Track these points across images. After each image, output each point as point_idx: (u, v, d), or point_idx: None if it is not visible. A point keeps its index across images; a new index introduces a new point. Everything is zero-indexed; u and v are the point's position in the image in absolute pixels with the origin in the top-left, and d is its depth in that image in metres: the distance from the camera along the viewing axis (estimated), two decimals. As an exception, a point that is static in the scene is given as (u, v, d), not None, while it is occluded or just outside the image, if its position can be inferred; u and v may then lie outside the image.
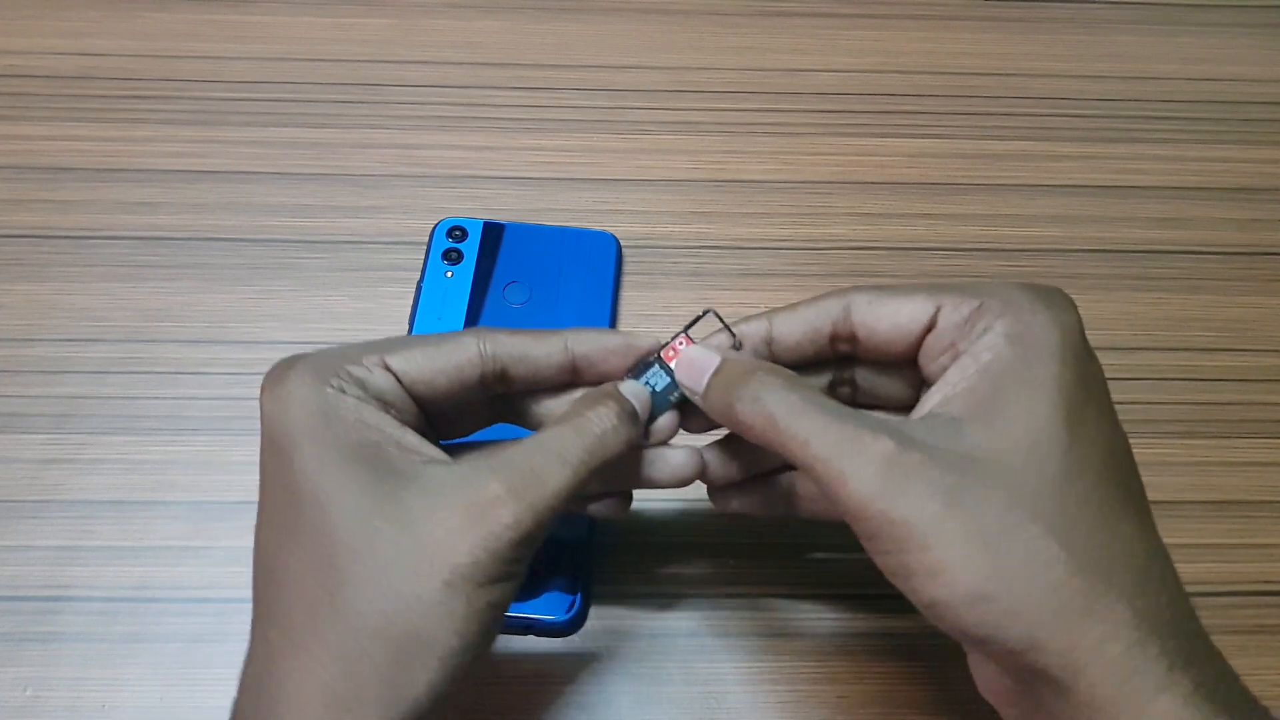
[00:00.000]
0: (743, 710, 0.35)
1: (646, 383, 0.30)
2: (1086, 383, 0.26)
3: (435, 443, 0.29)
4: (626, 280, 0.45)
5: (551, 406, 0.31)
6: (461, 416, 0.31)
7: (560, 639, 0.36)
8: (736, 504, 0.32)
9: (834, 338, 0.30)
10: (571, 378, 0.30)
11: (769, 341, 0.30)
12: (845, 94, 0.52)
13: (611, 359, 0.30)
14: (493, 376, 0.29)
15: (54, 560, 0.37)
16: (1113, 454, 0.26)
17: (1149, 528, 0.26)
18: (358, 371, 0.27)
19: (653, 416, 0.30)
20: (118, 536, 0.37)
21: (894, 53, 0.54)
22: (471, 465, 0.26)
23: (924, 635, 0.36)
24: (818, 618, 0.37)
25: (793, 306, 0.30)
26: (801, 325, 0.30)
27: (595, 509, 0.31)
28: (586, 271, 0.44)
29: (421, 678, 0.24)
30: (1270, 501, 0.40)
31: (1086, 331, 0.28)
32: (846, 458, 0.25)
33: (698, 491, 0.33)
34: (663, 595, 0.37)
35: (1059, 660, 0.24)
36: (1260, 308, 0.46)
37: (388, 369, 0.28)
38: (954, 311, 0.28)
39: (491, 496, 0.25)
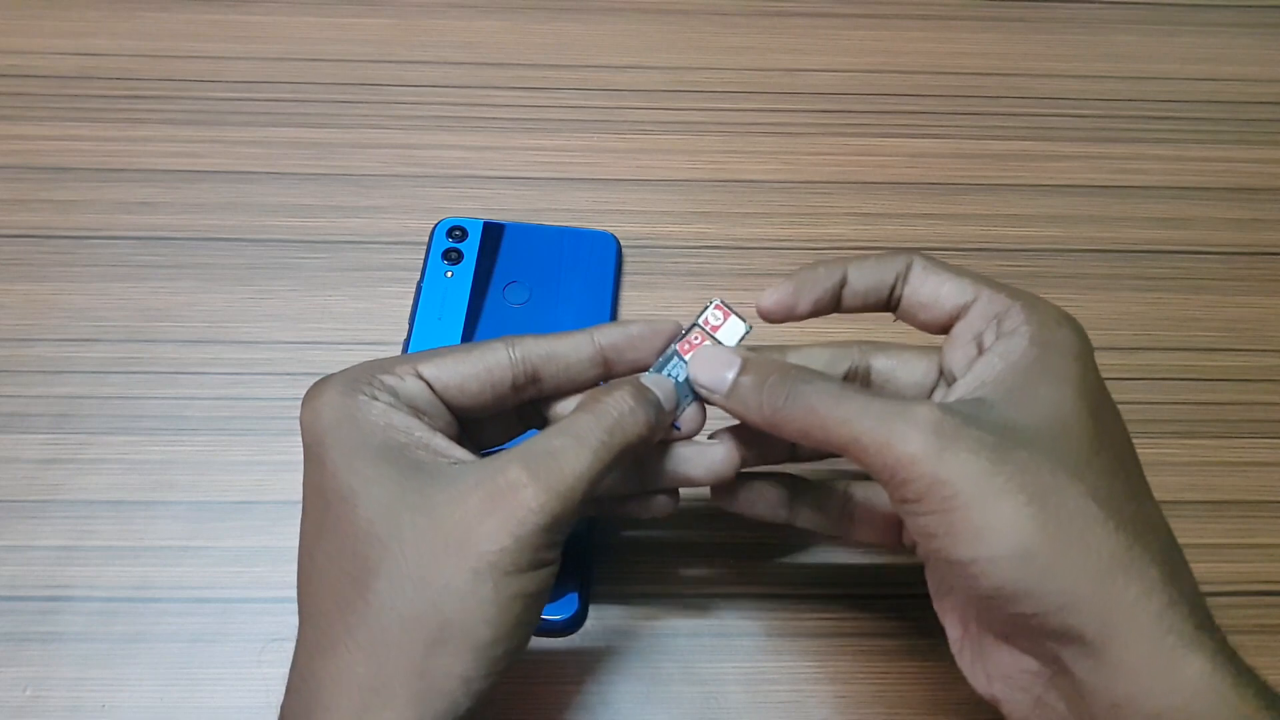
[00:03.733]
0: (743, 710, 0.35)
1: (669, 374, 0.31)
2: (1101, 388, 0.28)
3: (470, 449, 0.29)
4: (626, 280, 0.45)
5: (573, 406, 0.31)
6: (495, 424, 0.32)
7: (560, 639, 0.36)
8: (742, 500, 0.32)
9: (891, 293, 0.31)
10: (603, 371, 0.31)
11: (842, 285, 0.31)
12: (845, 94, 0.52)
13: (639, 345, 0.31)
14: (525, 379, 0.30)
15: (54, 560, 0.37)
16: (1127, 445, 0.28)
17: (1160, 510, 0.27)
18: (390, 380, 0.28)
19: (679, 408, 0.31)
20: (118, 536, 0.37)
21: (894, 53, 0.54)
22: (493, 457, 0.26)
23: (924, 635, 0.36)
24: (818, 618, 0.37)
25: (864, 258, 0.31)
26: (873, 276, 0.31)
27: (636, 508, 0.32)
28: (586, 271, 0.44)
29: (455, 669, 0.24)
30: (1270, 501, 0.40)
31: (1089, 331, 0.29)
32: (892, 424, 0.26)
33: (698, 491, 0.33)
34: (663, 595, 0.37)
35: (1094, 618, 0.24)
36: (1260, 308, 0.46)
37: (420, 377, 0.29)
38: (988, 305, 0.30)
39: (513, 482, 0.25)
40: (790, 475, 0.33)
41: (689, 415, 0.31)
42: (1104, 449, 0.27)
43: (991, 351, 0.29)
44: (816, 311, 0.31)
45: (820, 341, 0.33)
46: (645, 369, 0.31)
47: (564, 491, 0.26)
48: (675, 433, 0.31)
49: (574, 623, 0.36)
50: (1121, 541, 0.25)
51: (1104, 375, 0.29)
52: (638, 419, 0.28)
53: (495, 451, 0.31)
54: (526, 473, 0.25)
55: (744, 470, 0.32)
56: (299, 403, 0.28)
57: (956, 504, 0.25)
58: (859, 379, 0.32)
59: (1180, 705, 0.23)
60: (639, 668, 0.35)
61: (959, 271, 0.31)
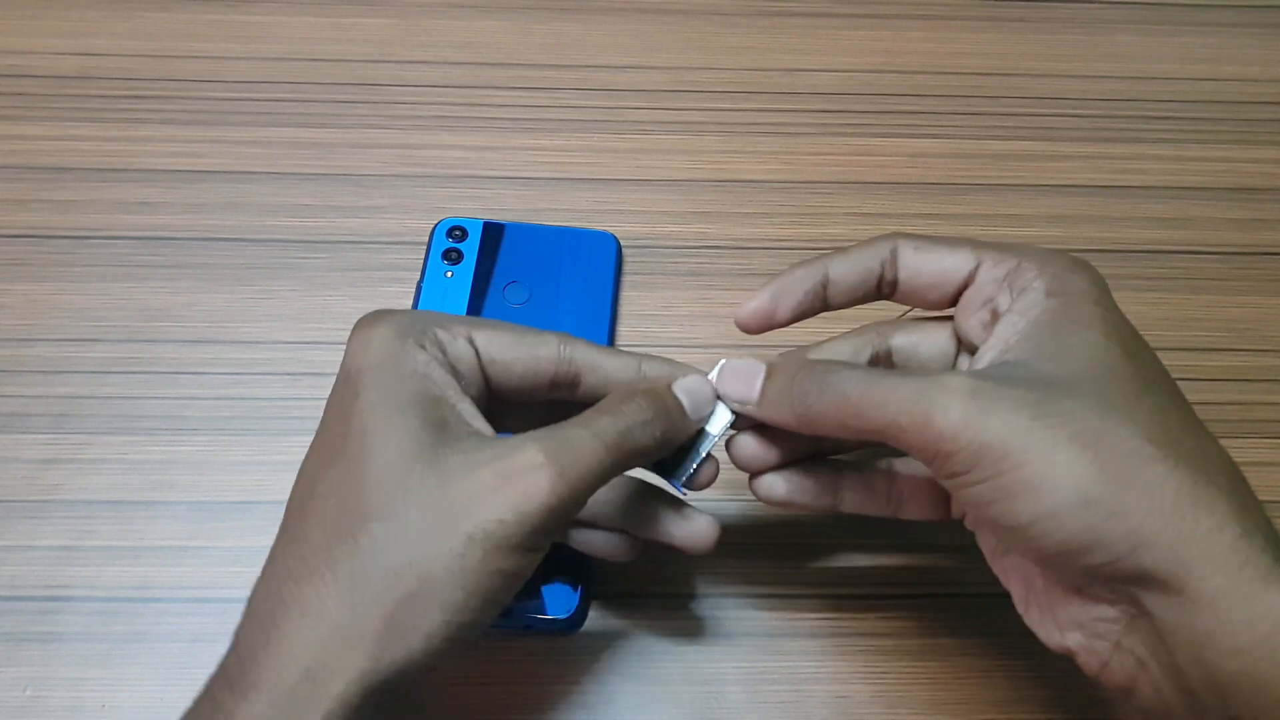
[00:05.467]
0: (743, 710, 0.35)
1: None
2: (1129, 328, 0.28)
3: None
4: (626, 280, 0.45)
5: None
6: (521, 412, 0.31)
7: (560, 639, 0.36)
8: (784, 491, 0.31)
9: (880, 281, 0.31)
10: None
11: (825, 284, 0.31)
12: (845, 94, 0.52)
13: None
14: (565, 379, 0.30)
15: (54, 560, 0.37)
16: (1170, 382, 0.28)
17: (1220, 445, 0.27)
18: (442, 335, 0.28)
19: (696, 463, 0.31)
20: (118, 536, 0.37)
21: (894, 53, 0.54)
22: (512, 437, 0.27)
23: (924, 635, 0.36)
24: (818, 618, 0.37)
25: (844, 251, 0.31)
26: (856, 268, 0.31)
27: (598, 540, 0.32)
28: (586, 271, 0.44)
29: (422, 626, 0.25)
30: (1270, 501, 0.40)
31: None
32: (926, 400, 0.25)
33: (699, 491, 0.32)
34: (663, 595, 0.37)
35: (1168, 557, 0.23)
36: (1260, 308, 0.46)
37: (470, 342, 0.29)
38: (994, 268, 0.29)
39: (530, 462, 0.26)
40: (831, 460, 0.32)
41: (700, 478, 0.31)
42: (1149, 388, 0.26)
43: (1010, 312, 0.28)
44: (799, 316, 0.31)
45: (838, 335, 0.32)
46: None
47: (574, 481, 0.26)
48: (681, 491, 0.31)
49: (574, 623, 0.36)
50: (1185, 477, 0.24)
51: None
52: (650, 432, 0.28)
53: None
54: (544, 455, 0.26)
55: (782, 463, 0.32)
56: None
57: (1006, 465, 0.24)
58: (883, 362, 0.32)
59: (1262, 638, 0.23)
60: (639, 667, 0.35)
61: (953, 241, 0.30)
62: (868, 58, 0.53)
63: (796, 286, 0.31)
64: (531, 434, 0.27)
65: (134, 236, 0.45)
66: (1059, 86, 0.53)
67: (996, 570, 0.30)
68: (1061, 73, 0.53)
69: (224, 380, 0.41)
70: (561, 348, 0.30)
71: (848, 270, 0.31)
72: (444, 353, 0.28)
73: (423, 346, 0.28)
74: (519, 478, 0.25)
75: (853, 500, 0.32)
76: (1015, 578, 0.29)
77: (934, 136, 0.50)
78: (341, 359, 0.28)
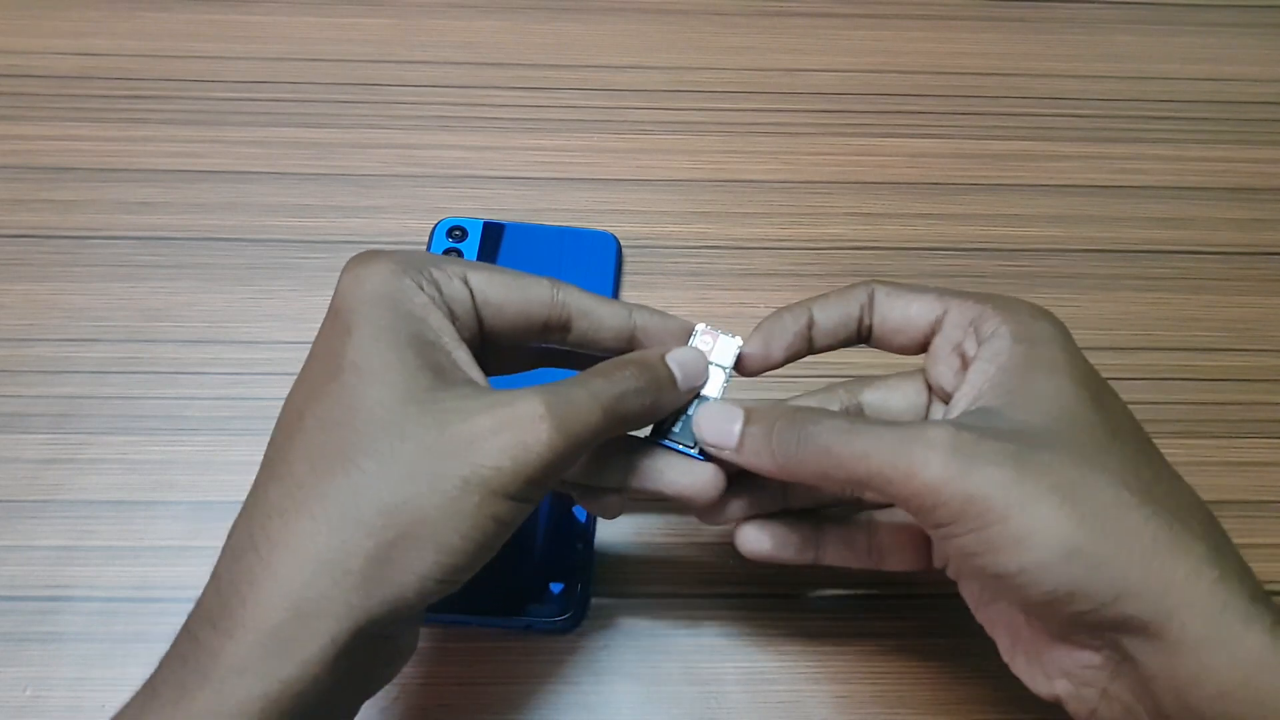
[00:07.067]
0: (743, 710, 0.35)
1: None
2: (1095, 373, 0.29)
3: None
4: (626, 280, 0.45)
5: None
6: (512, 355, 0.32)
7: (560, 639, 0.36)
8: (768, 547, 0.32)
9: (860, 324, 0.32)
10: (628, 346, 0.31)
11: (810, 326, 0.31)
12: (845, 94, 0.52)
13: (670, 341, 0.31)
14: (557, 323, 0.30)
15: (54, 560, 0.37)
16: (1138, 427, 0.28)
17: (1190, 487, 0.27)
18: (438, 275, 0.28)
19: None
20: (118, 536, 0.37)
21: (894, 53, 0.54)
22: (512, 389, 0.27)
23: (924, 635, 0.36)
24: (818, 617, 0.37)
25: (826, 296, 0.32)
26: (838, 312, 0.32)
27: (586, 498, 0.31)
28: (586, 271, 0.44)
29: (415, 566, 0.24)
30: (1270, 501, 0.40)
31: (1089, 330, 0.30)
32: (909, 453, 0.25)
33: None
34: (663, 595, 0.37)
35: (1150, 604, 0.24)
36: (1260, 308, 0.46)
37: (466, 283, 0.29)
38: (960, 314, 0.30)
39: (531, 413, 0.25)
40: (813, 513, 0.33)
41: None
42: (1118, 434, 0.27)
43: (979, 359, 0.29)
44: (791, 357, 0.32)
45: (807, 393, 0.33)
46: None
47: (571, 436, 0.26)
48: (696, 455, 0.30)
49: (573, 622, 0.36)
50: (1161, 523, 0.25)
51: (1105, 375, 0.29)
52: (641, 400, 0.28)
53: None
54: (546, 408, 0.26)
55: (761, 515, 0.32)
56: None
57: (991, 518, 0.25)
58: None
59: (1243, 680, 0.23)
60: (639, 667, 0.35)
61: (922, 288, 0.31)
62: (868, 58, 0.53)
63: (786, 329, 0.31)
64: (531, 387, 0.26)
65: (134, 236, 0.45)
66: (1059, 86, 0.53)
67: (981, 620, 0.30)
68: (1061, 73, 0.53)
69: (224, 380, 0.41)
70: (554, 292, 0.30)
71: (830, 313, 0.31)
72: (440, 293, 0.28)
73: (421, 288, 0.28)
74: (519, 427, 0.25)
75: (834, 554, 0.32)
76: (1000, 627, 0.30)
77: (934, 136, 0.50)
78: (332, 297, 0.28)
